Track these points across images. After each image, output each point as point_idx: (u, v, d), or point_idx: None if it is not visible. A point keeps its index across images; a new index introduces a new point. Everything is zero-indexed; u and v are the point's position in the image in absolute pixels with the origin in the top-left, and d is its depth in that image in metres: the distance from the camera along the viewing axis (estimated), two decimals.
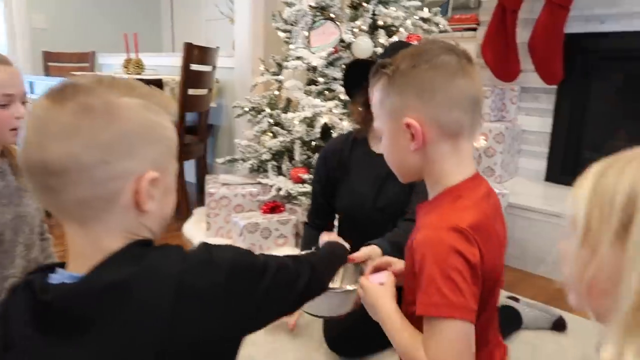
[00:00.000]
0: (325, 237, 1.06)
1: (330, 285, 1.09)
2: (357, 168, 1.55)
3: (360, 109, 1.52)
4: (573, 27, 2.30)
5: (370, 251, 1.10)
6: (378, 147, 1.54)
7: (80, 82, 0.56)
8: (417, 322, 0.75)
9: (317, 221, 1.65)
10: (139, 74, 3.15)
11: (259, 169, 2.43)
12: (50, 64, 3.91)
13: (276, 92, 2.47)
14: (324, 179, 1.61)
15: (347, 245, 1.03)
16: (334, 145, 1.63)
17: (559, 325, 1.65)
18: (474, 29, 2.74)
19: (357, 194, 1.53)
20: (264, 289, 0.64)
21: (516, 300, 1.72)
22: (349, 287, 1.01)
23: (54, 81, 2.57)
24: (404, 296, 0.85)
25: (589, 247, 0.49)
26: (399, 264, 0.93)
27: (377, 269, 0.94)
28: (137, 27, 4.37)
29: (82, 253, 0.57)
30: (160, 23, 5.34)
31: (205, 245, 0.63)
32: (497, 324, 0.87)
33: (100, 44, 4.46)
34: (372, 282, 0.87)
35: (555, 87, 2.44)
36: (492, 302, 0.81)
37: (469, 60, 0.77)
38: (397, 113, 0.77)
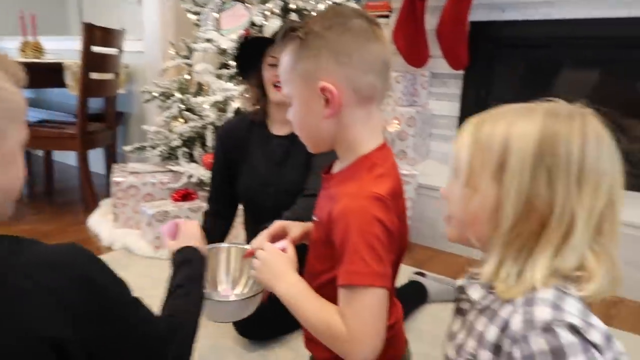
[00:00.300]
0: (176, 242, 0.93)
1: (224, 275, 1.05)
2: (256, 151, 1.51)
3: (255, 89, 1.49)
4: (477, 15, 2.40)
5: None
6: (277, 129, 1.51)
7: None
8: (325, 294, 0.73)
9: (217, 208, 1.59)
10: (38, 58, 2.92)
11: (170, 156, 2.33)
12: None
13: (187, 77, 2.37)
14: (221, 160, 1.56)
15: (199, 244, 0.92)
16: (231, 126, 1.58)
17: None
18: (387, 16, 2.79)
19: (257, 177, 1.49)
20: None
21: (423, 275, 1.77)
22: (248, 295, 0.96)
23: None
24: (307, 268, 0.82)
25: (472, 186, 0.61)
26: (295, 228, 0.88)
27: (274, 238, 0.87)
28: (40, 8, 4.04)
29: None
30: (66, 5, 4.97)
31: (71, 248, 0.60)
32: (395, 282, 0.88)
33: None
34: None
35: (462, 72, 2.54)
36: (399, 264, 0.81)
37: (378, 25, 0.76)
38: (310, 77, 0.73)
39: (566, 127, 0.57)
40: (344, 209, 0.69)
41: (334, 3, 2.38)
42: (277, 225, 0.89)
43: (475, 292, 0.64)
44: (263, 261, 0.80)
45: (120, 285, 0.65)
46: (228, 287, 1.04)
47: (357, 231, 0.67)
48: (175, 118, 2.31)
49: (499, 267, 0.58)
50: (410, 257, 2.12)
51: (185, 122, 2.25)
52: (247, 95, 1.59)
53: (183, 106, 2.30)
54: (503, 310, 0.58)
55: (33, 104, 3.44)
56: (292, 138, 1.48)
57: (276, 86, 1.43)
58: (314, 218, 0.82)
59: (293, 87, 0.76)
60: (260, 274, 0.80)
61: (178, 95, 2.32)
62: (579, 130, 0.57)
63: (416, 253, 2.16)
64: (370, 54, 0.73)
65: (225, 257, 1.05)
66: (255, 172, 1.50)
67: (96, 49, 2.37)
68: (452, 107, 2.60)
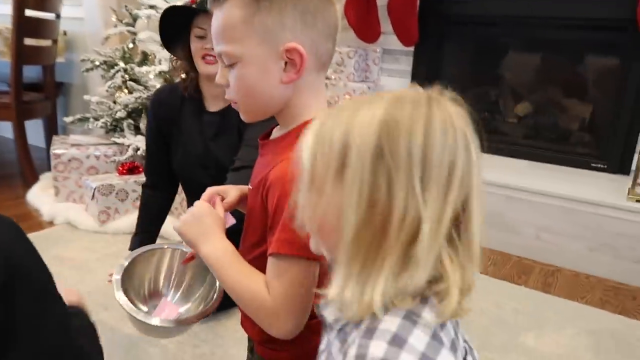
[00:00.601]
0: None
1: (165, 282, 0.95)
2: (189, 127, 1.46)
3: (183, 62, 1.42)
4: None
5: None
6: (211, 105, 1.45)
7: None
8: (259, 268, 0.69)
9: (155, 180, 1.55)
10: None
11: (115, 128, 2.25)
12: None
13: (130, 45, 2.27)
14: (154, 130, 1.51)
15: None
16: (162, 97, 1.51)
17: None
18: None
19: (191, 155, 1.46)
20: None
21: None
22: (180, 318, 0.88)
23: None
24: (242, 240, 0.78)
25: (316, 190, 0.51)
26: (232, 192, 0.80)
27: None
28: None
29: None
30: None
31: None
32: None
33: None
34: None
35: (412, 49, 2.58)
36: None
37: None
38: (271, 35, 0.65)
39: (409, 116, 0.47)
40: (280, 173, 0.65)
41: None
42: (210, 191, 0.80)
43: (329, 313, 0.54)
44: (192, 215, 0.73)
45: (45, 273, 0.60)
46: (169, 299, 0.95)
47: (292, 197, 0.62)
48: (119, 88, 2.22)
49: (344, 286, 0.48)
50: None
51: (130, 92, 2.16)
52: (175, 67, 1.53)
53: (127, 76, 2.21)
54: (351, 336, 0.50)
55: None
56: (223, 113, 1.44)
57: (206, 59, 1.36)
58: (249, 187, 0.76)
59: (243, 45, 0.67)
60: (186, 229, 0.73)
61: (122, 64, 2.23)
62: (423, 118, 0.47)
63: None
64: (331, 18, 0.69)
65: (165, 260, 0.96)
66: (188, 150, 1.46)
67: (30, 12, 2.22)
68: (404, 84, 2.64)
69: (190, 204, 1.58)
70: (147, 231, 1.55)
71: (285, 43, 0.65)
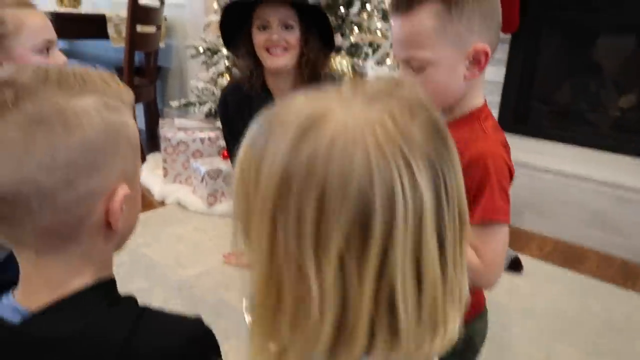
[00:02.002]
0: None
1: None
2: None
3: (246, 58, 1.38)
4: None
5: None
6: (282, 95, 1.45)
7: (20, 80, 0.44)
8: None
9: None
10: (76, 7, 2.88)
11: (216, 113, 2.35)
12: None
13: None
14: (227, 130, 1.53)
15: None
16: (228, 98, 1.49)
17: (515, 265, 1.77)
18: None
19: None
20: None
21: None
22: None
23: None
24: None
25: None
26: None
27: None
28: None
29: (35, 284, 0.47)
30: None
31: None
32: None
33: None
34: None
35: (509, 37, 2.50)
36: None
37: None
38: (461, 40, 0.72)
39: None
40: (482, 153, 0.73)
41: None
42: None
43: None
44: None
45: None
46: None
47: (495, 173, 0.72)
48: (221, 75, 2.31)
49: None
50: None
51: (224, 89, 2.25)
52: (238, 66, 1.49)
53: (229, 63, 2.29)
54: None
55: (67, 55, 3.43)
56: None
57: (271, 52, 1.33)
58: None
59: (436, 50, 0.73)
60: None
61: (224, 51, 2.31)
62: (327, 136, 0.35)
63: None
64: (499, 16, 0.76)
65: None
66: None
67: (142, 1, 2.35)
68: (497, 72, 2.57)
69: None
70: None
71: (473, 45, 0.73)
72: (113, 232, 0.49)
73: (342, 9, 2.18)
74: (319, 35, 1.39)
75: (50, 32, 0.98)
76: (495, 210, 0.72)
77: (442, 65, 0.74)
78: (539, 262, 1.89)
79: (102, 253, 0.50)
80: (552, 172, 2.13)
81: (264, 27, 1.32)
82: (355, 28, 2.24)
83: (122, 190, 0.47)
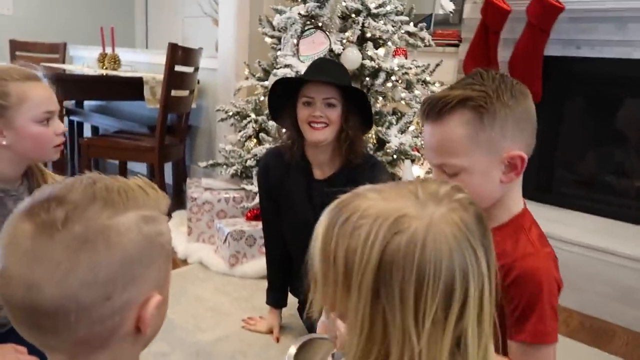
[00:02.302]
0: None
1: None
2: (297, 194, 1.53)
3: (290, 129, 1.49)
4: (551, 50, 2.40)
5: None
6: (318, 173, 1.52)
7: (70, 198, 0.47)
8: None
9: (273, 238, 1.64)
10: (115, 69, 3.07)
11: (242, 174, 2.41)
12: (17, 53, 3.73)
13: (262, 98, 2.45)
14: (265, 195, 1.60)
15: None
16: (270, 162, 1.58)
17: None
18: (457, 45, 2.82)
19: (299, 221, 1.49)
20: None
21: None
22: None
23: None
24: None
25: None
26: None
27: None
28: (108, 19, 4.24)
29: None
30: (134, 17, 5.20)
31: None
32: None
33: (69, 34, 4.30)
34: None
35: None
36: None
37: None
38: (495, 146, 0.73)
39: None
40: (534, 270, 0.72)
41: (407, 32, 2.44)
42: None
43: None
44: None
45: None
46: None
47: (546, 292, 0.72)
48: (249, 138, 2.40)
49: None
50: None
51: (260, 143, 2.33)
52: (280, 135, 1.60)
53: (257, 127, 2.38)
54: None
55: (103, 111, 3.61)
56: (331, 181, 1.49)
57: (313, 126, 1.42)
58: None
59: (469, 157, 0.74)
60: None
61: (253, 115, 2.41)
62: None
63: None
64: (533, 114, 0.77)
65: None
66: (297, 216, 1.53)
67: (177, 67, 2.49)
68: None
69: (297, 267, 1.65)
70: (278, 286, 1.67)
71: (507, 151, 0.73)
72: (142, 336, 0.51)
73: (367, 79, 2.26)
74: (359, 113, 1.49)
75: (51, 104, 1.07)
76: (546, 334, 0.73)
77: (475, 171, 0.74)
78: (565, 339, 1.82)
79: (129, 356, 0.52)
80: (577, 244, 2.09)
81: (309, 104, 1.43)
82: (380, 97, 2.32)
83: (155, 299, 0.50)
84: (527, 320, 0.72)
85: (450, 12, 3.11)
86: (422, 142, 2.38)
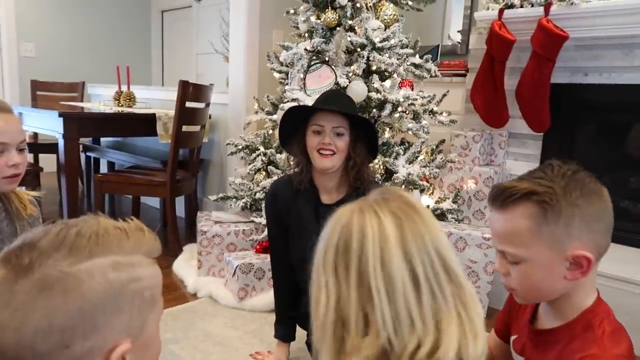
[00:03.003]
0: None
1: None
2: (305, 218, 1.54)
3: (299, 156, 1.53)
4: (558, 77, 2.40)
5: None
6: (326, 198, 1.54)
7: (39, 244, 0.48)
8: None
9: (282, 268, 1.64)
10: (131, 107, 3.16)
11: (252, 207, 2.43)
12: (38, 93, 3.87)
13: (270, 131, 2.49)
14: (274, 223, 1.62)
15: None
16: (278, 190, 1.61)
17: None
18: (464, 75, 2.84)
19: (307, 246, 1.51)
20: None
21: None
22: None
23: (42, 113, 2.50)
24: None
25: None
26: None
27: None
28: (127, 58, 4.41)
29: None
30: (150, 55, 5.37)
31: None
32: None
33: (89, 74, 4.46)
34: None
35: (541, 134, 2.52)
36: None
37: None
38: (558, 242, 0.73)
39: None
40: None
41: (413, 64, 2.47)
42: None
43: None
44: None
45: None
46: None
47: None
48: (258, 171, 2.42)
49: None
50: (491, 324, 2.07)
51: (269, 176, 2.35)
52: (289, 162, 1.65)
53: (266, 159, 2.41)
54: None
55: (119, 147, 3.70)
56: (340, 204, 1.51)
57: (321, 154, 1.47)
58: None
59: (530, 250, 0.75)
60: None
61: (262, 149, 2.44)
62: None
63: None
64: (609, 215, 0.76)
65: None
66: (305, 241, 1.52)
67: (189, 104, 2.55)
68: (531, 168, 2.57)
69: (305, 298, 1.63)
70: (286, 319, 1.66)
71: (572, 250, 0.73)
72: None
73: (374, 110, 2.29)
74: (366, 142, 1.54)
75: (5, 136, 1.09)
76: None
77: (536, 263, 0.75)
78: None
79: None
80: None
81: (319, 132, 1.48)
82: (387, 128, 2.34)
83: (122, 347, 0.49)
84: None
85: (458, 42, 3.16)
86: (431, 173, 2.38)
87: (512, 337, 0.90)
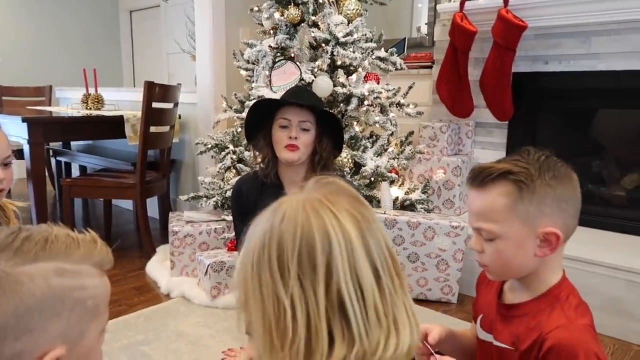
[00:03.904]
0: None
1: None
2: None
3: (265, 149, 1.55)
4: (520, 66, 2.45)
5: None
6: (293, 189, 1.55)
7: None
8: None
9: None
10: (99, 109, 3.12)
11: (223, 205, 2.43)
12: (4, 98, 3.80)
13: (239, 129, 2.49)
14: (240, 218, 1.62)
15: None
16: (243, 186, 1.62)
17: None
18: (430, 67, 2.87)
19: None
20: None
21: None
22: None
23: (6, 119, 2.45)
24: None
25: None
26: (436, 331, 0.89)
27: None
28: (96, 60, 4.35)
29: None
30: (121, 56, 5.30)
31: None
32: None
33: (58, 78, 4.39)
34: None
35: (506, 122, 2.58)
36: None
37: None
38: (530, 220, 0.78)
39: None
40: (565, 341, 0.74)
41: (378, 58, 2.49)
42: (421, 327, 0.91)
43: None
44: None
45: None
46: None
47: None
48: (228, 169, 2.43)
49: None
50: (461, 310, 2.12)
51: (239, 173, 2.35)
52: (255, 155, 1.66)
53: (235, 157, 2.41)
54: None
55: (90, 150, 3.66)
56: None
57: (288, 147, 1.48)
58: (501, 344, 0.85)
59: (505, 226, 0.79)
60: None
61: (231, 147, 2.44)
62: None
63: (467, 305, 2.16)
64: (578, 199, 0.82)
65: None
66: None
67: (156, 104, 2.53)
68: (498, 156, 2.61)
69: None
70: None
71: (544, 227, 0.78)
72: None
73: (342, 105, 2.31)
74: (332, 136, 1.55)
75: None
76: None
77: (509, 239, 0.79)
78: None
79: None
80: None
81: (285, 126, 1.49)
82: (355, 122, 2.36)
83: (55, 352, 0.49)
84: None
85: (426, 35, 3.19)
86: (400, 165, 2.41)
87: (479, 317, 0.94)
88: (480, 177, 0.81)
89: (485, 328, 0.91)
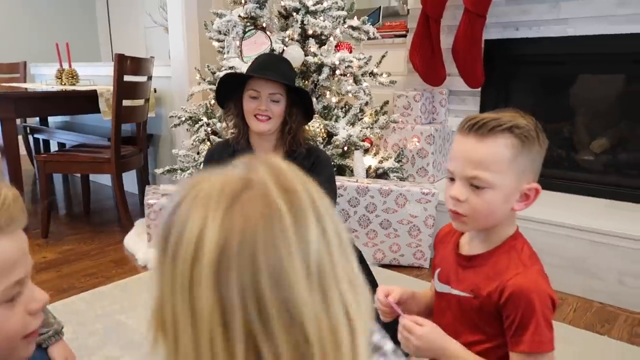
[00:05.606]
0: None
1: None
2: None
3: (235, 118, 1.58)
4: (492, 33, 2.46)
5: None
6: (264, 153, 1.58)
7: None
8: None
9: None
10: (74, 84, 3.09)
11: None
12: None
13: (212, 102, 2.49)
14: None
15: None
16: (215, 152, 1.65)
17: None
18: (404, 36, 2.87)
19: None
20: None
21: None
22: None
23: None
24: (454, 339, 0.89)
25: None
26: (396, 290, 0.94)
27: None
28: (72, 36, 4.27)
29: None
30: (97, 31, 5.21)
31: None
32: None
33: (33, 54, 4.31)
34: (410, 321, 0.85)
35: (479, 90, 2.60)
36: None
37: None
38: (523, 174, 0.82)
39: None
40: (524, 288, 0.80)
41: (350, 27, 2.48)
42: (382, 289, 0.93)
43: None
44: (421, 340, 0.83)
45: None
46: None
47: (539, 306, 0.79)
48: (202, 141, 2.43)
49: None
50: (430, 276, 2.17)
51: (212, 145, 2.36)
52: (227, 124, 1.69)
53: (209, 130, 2.42)
54: None
55: (68, 127, 3.63)
56: None
57: (258, 118, 1.51)
58: (460, 293, 0.89)
59: (501, 177, 0.81)
60: (422, 353, 0.85)
61: (205, 119, 2.45)
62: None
63: None
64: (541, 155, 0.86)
65: None
66: None
67: (128, 77, 2.51)
68: None
69: None
70: None
71: (529, 182, 0.82)
72: None
73: (315, 74, 2.31)
74: (302, 106, 1.58)
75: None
76: (542, 343, 0.79)
77: (501, 190, 0.81)
78: None
79: None
80: (525, 218, 2.14)
81: (255, 97, 1.51)
82: (327, 92, 2.37)
83: None
84: (524, 333, 0.79)
85: (403, 3, 3.17)
86: (374, 134, 2.43)
87: (436, 271, 0.97)
88: (488, 127, 0.80)
89: (443, 280, 0.94)
